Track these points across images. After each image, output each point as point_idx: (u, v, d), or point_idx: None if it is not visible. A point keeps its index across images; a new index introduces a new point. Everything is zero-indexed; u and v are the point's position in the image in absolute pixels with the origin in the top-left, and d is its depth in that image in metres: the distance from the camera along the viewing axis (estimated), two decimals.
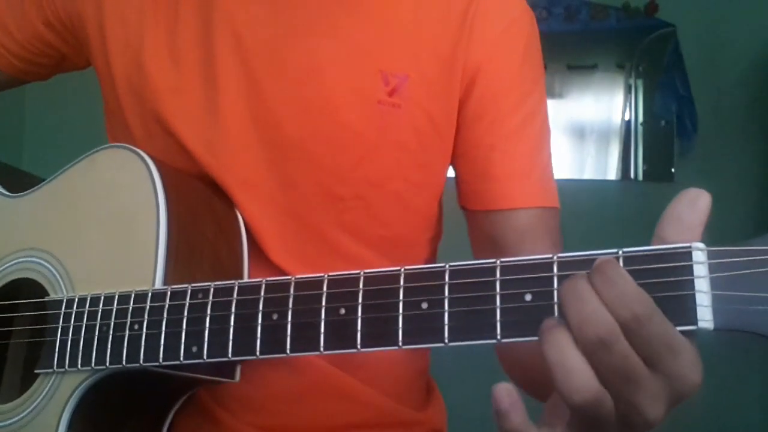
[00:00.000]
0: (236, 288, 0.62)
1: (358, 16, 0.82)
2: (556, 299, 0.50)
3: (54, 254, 0.75)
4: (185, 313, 0.63)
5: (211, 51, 0.81)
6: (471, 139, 0.84)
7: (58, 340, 0.70)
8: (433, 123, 0.82)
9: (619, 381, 0.47)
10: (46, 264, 0.75)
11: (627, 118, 3.01)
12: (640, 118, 3.00)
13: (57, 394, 0.69)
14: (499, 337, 0.51)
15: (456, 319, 0.53)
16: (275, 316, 0.59)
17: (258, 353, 0.59)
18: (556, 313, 0.50)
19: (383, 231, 0.84)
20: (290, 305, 0.59)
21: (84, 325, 0.68)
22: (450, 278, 0.54)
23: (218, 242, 0.76)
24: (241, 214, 0.80)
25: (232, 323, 0.61)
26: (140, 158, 0.73)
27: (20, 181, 0.84)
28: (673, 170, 2.93)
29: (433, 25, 0.82)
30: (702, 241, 0.48)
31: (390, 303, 0.55)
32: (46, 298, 0.73)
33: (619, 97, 3.03)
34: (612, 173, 3.01)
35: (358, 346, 0.56)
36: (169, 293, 0.65)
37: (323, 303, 0.57)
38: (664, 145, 2.95)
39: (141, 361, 0.64)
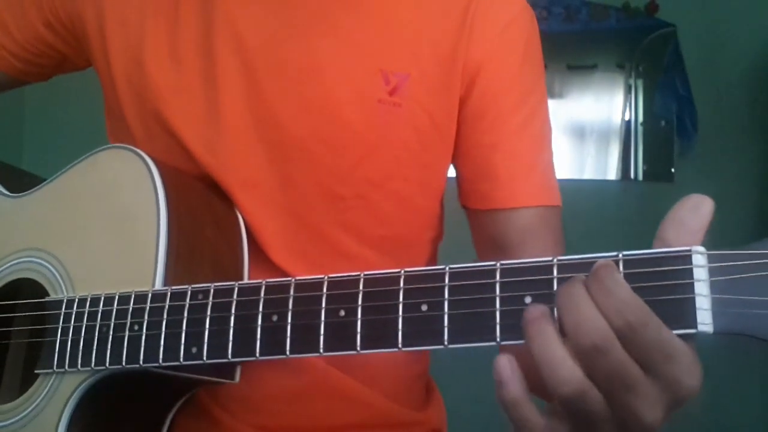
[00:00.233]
0: (236, 289, 0.62)
1: (359, 15, 0.82)
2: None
3: (54, 254, 0.75)
4: (185, 314, 0.63)
5: (212, 51, 0.81)
6: (472, 138, 0.84)
7: (58, 340, 0.70)
8: (433, 122, 0.82)
9: (615, 386, 0.47)
10: (46, 264, 0.75)
11: (627, 118, 3.01)
12: (640, 118, 2.99)
13: (57, 395, 0.69)
14: (498, 339, 0.51)
15: (456, 321, 0.53)
16: (275, 318, 0.59)
17: (258, 354, 0.60)
18: (555, 317, 0.50)
19: (384, 230, 0.84)
20: (290, 306, 0.59)
21: (84, 326, 0.69)
22: (450, 280, 0.54)
23: (218, 243, 0.76)
24: (242, 214, 0.80)
25: (232, 324, 0.61)
26: (141, 159, 0.73)
27: (21, 181, 0.84)
28: (673, 170, 2.93)
29: (433, 24, 0.82)
30: (702, 242, 0.48)
31: (390, 305, 0.55)
32: (46, 299, 0.73)
33: (619, 97, 3.03)
34: (612, 173, 3.01)
35: (358, 348, 0.56)
36: (169, 294, 0.65)
37: (323, 304, 0.58)
38: (664, 145, 2.95)
39: (141, 362, 0.64)
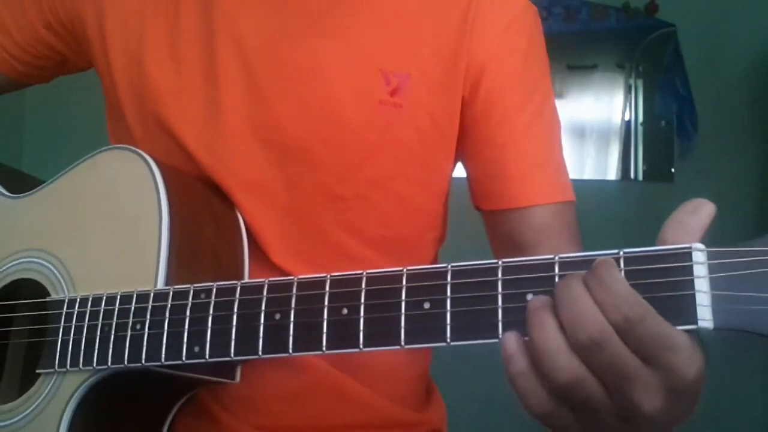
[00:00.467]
0: (239, 288, 0.62)
1: (359, 15, 0.82)
2: None
3: (55, 255, 0.75)
4: (187, 313, 0.63)
5: (212, 52, 0.81)
6: (481, 139, 0.84)
7: (59, 340, 0.70)
8: (435, 122, 0.82)
9: (614, 377, 0.48)
10: (47, 264, 0.75)
11: (627, 118, 3.01)
12: (640, 118, 2.99)
13: (58, 394, 0.70)
14: (500, 336, 0.52)
15: (458, 318, 0.53)
16: (278, 316, 0.59)
17: (260, 353, 0.60)
18: None
19: (385, 231, 0.84)
20: (293, 305, 0.59)
21: (86, 325, 0.69)
22: (452, 278, 0.54)
23: (219, 243, 0.76)
24: (242, 215, 0.80)
25: (234, 323, 0.61)
26: (142, 159, 0.73)
27: (21, 182, 0.84)
28: (672, 170, 2.93)
29: (434, 24, 0.82)
30: (702, 241, 0.48)
31: (392, 303, 0.55)
32: (48, 299, 0.73)
33: (619, 97, 3.03)
34: (612, 173, 3.01)
35: (361, 346, 0.56)
36: (171, 293, 0.65)
37: (326, 303, 0.58)
38: (664, 145, 2.95)
39: (143, 361, 0.64)
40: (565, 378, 0.48)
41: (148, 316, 0.65)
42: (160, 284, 0.67)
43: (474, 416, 2.05)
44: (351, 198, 0.81)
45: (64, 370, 0.69)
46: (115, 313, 0.67)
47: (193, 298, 0.64)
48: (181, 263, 0.69)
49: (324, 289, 0.58)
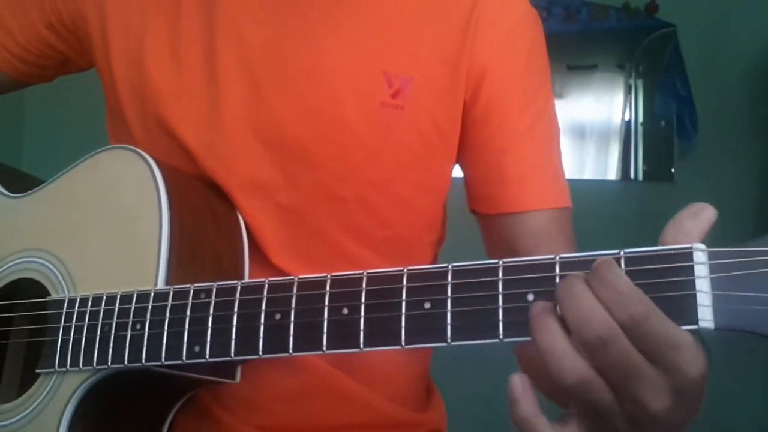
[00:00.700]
0: (239, 288, 0.62)
1: (361, 16, 0.82)
2: None
3: (55, 254, 0.75)
4: (188, 313, 0.63)
5: (213, 53, 0.81)
6: (480, 142, 0.84)
7: (59, 339, 0.70)
8: (436, 125, 0.82)
9: (621, 375, 0.48)
10: (47, 264, 0.75)
11: (627, 118, 3.01)
12: (640, 119, 2.99)
13: (58, 394, 0.70)
14: (501, 336, 0.52)
15: (458, 318, 0.53)
16: (278, 316, 0.59)
17: (261, 353, 0.60)
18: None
19: (385, 233, 0.84)
20: (293, 305, 0.59)
21: (86, 325, 0.69)
22: (453, 278, 0.54)
23: (219, 243, 0.76)
24: (242, 216, 0.80)
25: (234, 323, 0.61)
26: (142, 159, 0.73)
27: (21, 182, 0.84)
28: (672, 170, 2.93)
29: (436, 27, 0.82)
30: (702, 242, 0.48)
31: (393, 303, 0.55)
32: (48, 298, 0.73)
33: (619, 97, 3.03)
34: (612, 173, 3.01)
35: (361, 346, 0.56)
36: (171, 293, 0.65)
37: (326, 302, 0.58)
38: (664, 146, 2.95)
39: (143, 361, 0.64)
40: (572, 380, 0.48)
41: (149, 316, 0.65)
42: (161, 284, 0.67)
43: (474, 416, 2.05)
44: (351, 200, 0.81)
45: (64, 369, 0.69)
46: (115, 312, 0.67)
47: (193, 298, 0.64)
48: (181, 263, 0.69)
49: (324, 289, 0.58)
